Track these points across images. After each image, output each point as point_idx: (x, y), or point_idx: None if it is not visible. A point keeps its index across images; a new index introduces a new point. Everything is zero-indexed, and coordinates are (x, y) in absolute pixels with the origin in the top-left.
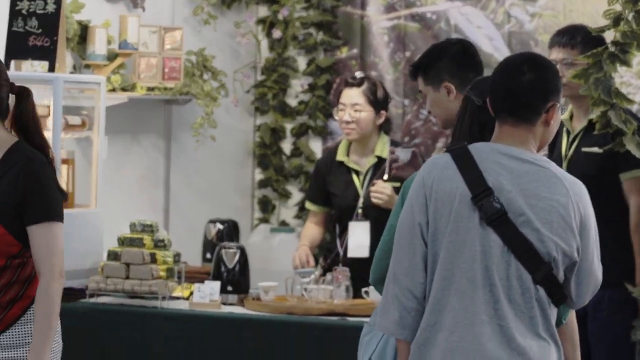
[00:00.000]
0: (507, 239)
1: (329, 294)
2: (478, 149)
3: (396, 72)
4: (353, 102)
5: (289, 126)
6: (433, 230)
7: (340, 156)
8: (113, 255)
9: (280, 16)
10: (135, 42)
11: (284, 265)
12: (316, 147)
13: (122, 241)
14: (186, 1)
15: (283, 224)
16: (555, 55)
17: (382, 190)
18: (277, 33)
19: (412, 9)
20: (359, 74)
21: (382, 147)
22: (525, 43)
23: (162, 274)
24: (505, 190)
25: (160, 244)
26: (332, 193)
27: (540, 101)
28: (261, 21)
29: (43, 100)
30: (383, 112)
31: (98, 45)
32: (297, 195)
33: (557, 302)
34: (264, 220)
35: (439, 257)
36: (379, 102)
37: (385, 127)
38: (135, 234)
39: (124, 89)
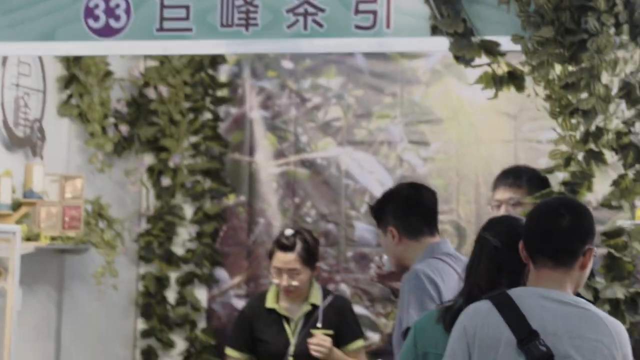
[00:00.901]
0: None
1: None
2: (518, 294)
3: (285, 218)
4: (289, 267)
5: (174, 275)
6: None
7: (270, 303)
8: None
9: (171, 164)
10: (41, 191)
11: None
12: (202, 295)
13: None
14: (79, 149)
15: None
16: (501, 195)
17: (322, 343)
18: (166, 181)
19: (301, 154)
20: (289, 232)
21: (317, 294)
22: None
23: None
24: (550, 332)
25: None
26: (260, 340)
27: (580, 245)
28: (149, 169)
29: None
30: (316, 265)
31: (3, 195)
32: (181, 344)
33: None
34: None
35: None
36: (313, 258)
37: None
38: None
39: (28, 239)
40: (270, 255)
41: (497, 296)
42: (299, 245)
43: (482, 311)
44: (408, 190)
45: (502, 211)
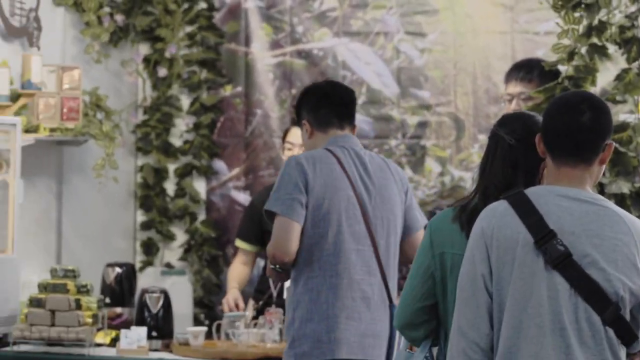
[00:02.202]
0: (573, 281)
1: (259, 337)
2: (535, 193)
3: (282, 109)
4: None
5: (172, 166)
6: (497, 279)
7: None
8: (36, 302)
9: (167, 54)
10: (39, 82)
11: (181, 309)
12: (200, 187)
13: (45, 287)
14: (75, 40)
15: (168, 266)
16: (512, 89)
17: None
18: (162, 71)
19: (298, 45)
20: None
21: None
22: (415, 79)
23: (88, 320)
24: (568, 232)
25: (83, 290)
26: (269, 232)
27: (600, 141)
28: (146, 60)
29: None
30: None
31: (1, 86)
32: (181, 237)
33: (627, 343)
34: (148, 263)
35: (504, 305)
36: None
37: None
38: (57, 280)
39: (27, 131)
40: (284, 134)
41: (514, 196)
42: None
43: (498, 212)
44: (322, 86)
45: (513, 105)
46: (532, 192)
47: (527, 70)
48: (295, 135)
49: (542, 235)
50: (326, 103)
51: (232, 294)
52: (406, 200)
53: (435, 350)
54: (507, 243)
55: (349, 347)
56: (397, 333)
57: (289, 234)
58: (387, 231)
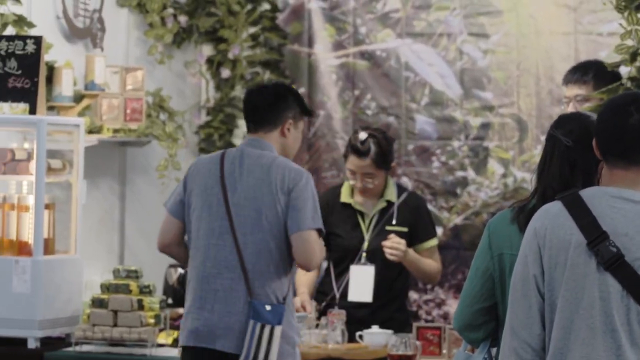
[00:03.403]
0: (625, 283)
1: (322, 338)
2: (589, 194)
3: (345, 110)
4: (364, 172)
5: None
6: (549, 280)
7: (345, 197)
8: (99, 302)
9: (230, 55)
10: (102, 83)
11: None
12: None
13: (107, 287)
14: (138, 41)
15: None
16: (569, 92)
17: (396, 247)
18: (225, 72)
19: (361, 46)
20: (363, 137)
21: (392, 191)
22: (478, 80)
23: (150, 320)
24: (621, 233)
25: (145, 290)
26: (334, 234)
27: None
28: (209, 61)
29: (23, 143)
30: (392, 164)
31: (65, 87)
32: None
33: None
34: None
35: (556, 306)
36: (388, 161)
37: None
38: (120, 280)
39: (90, 132)
40: (345, 156)
41: (568, 197)
42: (372, 150)
43: (552, 212)
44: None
45: (570, 107)
46: (586, 193)
47: (582, 72)
48: (356, 165)
49: (595, 237)
50: (244, 109)
51: (303, 299)
52: (288, 201)
53: (494, 351)
54: (560, 244)
55: (197, 337)
56: (253, 327)
57: (166, 225)
58: (251, 228)
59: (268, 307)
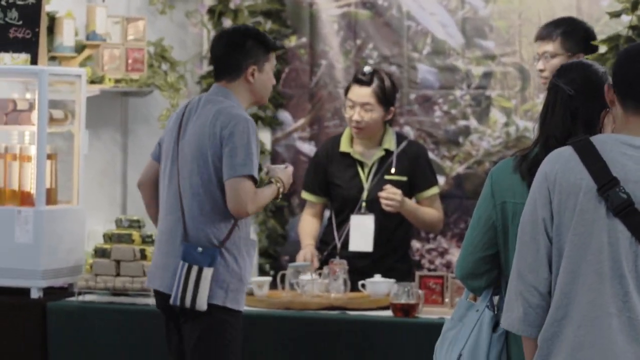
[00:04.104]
0: (634, 230)
1: (324, 287)
2: (601, 140)
3: (347, 60)
4: (363, 101)
5: None
6: (557, 224)
7: (344, 147)
8: (101, 252)
9: (232, 5)
10: (104, 34)
11: None
12: (266, 138)
13: (110, 237)
14: None
15: None
16: (539, 48)
17: (392, 197)
18: (227, 22)
19: None
20: (367, 70)
21: (391, 140)
22: (480, 29)
23: None
24: (631, 180)
25: (148, 240)
26: (334, 184)
27: None
28: (210, 11)
29: (25, 94)
30: (392, 108)
31: (66, 37)
32: None
33: None
34: None
35: (564, 251)
36: (388, 99)
37: (390, 120)
38: (122, 230)
39: (92, 82)
40: (347, 90)
41: (579, 142)
42: (375, 82)
43: (563, 157)
44: None
45: (540, 65)
46: (598, 139)
47: (551, 29)
48: (356, 93)
49: (605, 182)
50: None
51: (309, 251)
52: (222, 148)
53: (496, 299)
54: (570, 188)
55: (149, 276)
56: (181, 267)
57: (146, 165)
58: (188, 173)
59: (200, 249)
